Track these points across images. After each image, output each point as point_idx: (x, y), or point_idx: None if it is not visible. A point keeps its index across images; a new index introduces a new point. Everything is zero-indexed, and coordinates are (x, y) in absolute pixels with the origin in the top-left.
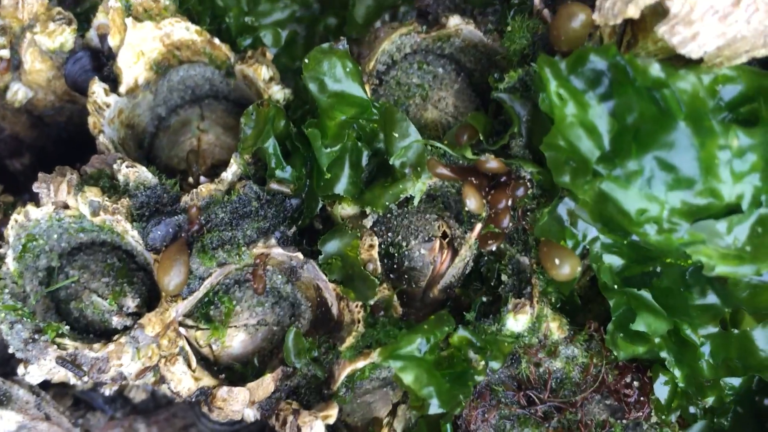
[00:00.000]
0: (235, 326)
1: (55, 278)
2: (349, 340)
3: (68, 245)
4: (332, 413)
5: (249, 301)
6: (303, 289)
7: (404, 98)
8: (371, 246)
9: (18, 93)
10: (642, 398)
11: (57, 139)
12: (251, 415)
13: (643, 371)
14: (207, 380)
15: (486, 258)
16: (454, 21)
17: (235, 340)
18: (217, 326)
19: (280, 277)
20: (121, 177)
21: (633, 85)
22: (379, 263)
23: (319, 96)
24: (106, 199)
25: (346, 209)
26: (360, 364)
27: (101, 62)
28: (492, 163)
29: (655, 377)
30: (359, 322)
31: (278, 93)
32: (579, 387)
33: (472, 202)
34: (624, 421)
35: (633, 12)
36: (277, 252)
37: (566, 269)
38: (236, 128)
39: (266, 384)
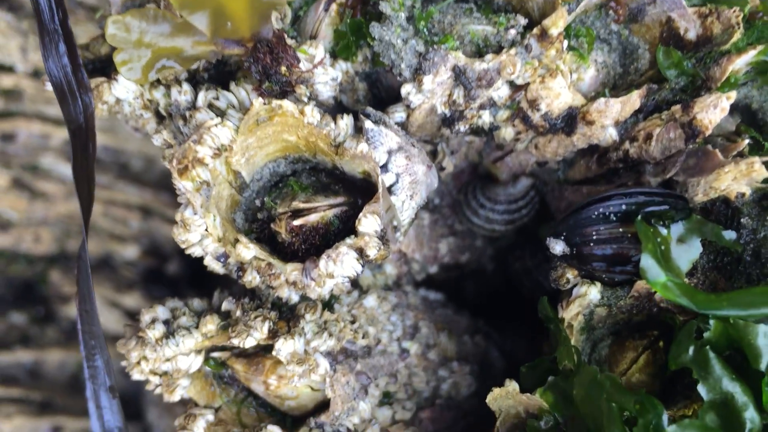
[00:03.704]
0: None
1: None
2: (735, 37)
3: None
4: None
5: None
6: (642, 32)
7: None
8: None
9: None
10: None
11: None
12: (614, 134)
13: None
14: (579, 98)
15: None
16: None
17: (587, 74)
18: (582, 53)
19: (616, 26)
20: None
21: None
22: None
23: None
24: None
25: None
26: (750, 53)
27: None
28: None
29: None
30: (738, 25)
31: None
32: None
33: None
34: None
35: None
36: None
37: None
38: None
39: (633, 100)
